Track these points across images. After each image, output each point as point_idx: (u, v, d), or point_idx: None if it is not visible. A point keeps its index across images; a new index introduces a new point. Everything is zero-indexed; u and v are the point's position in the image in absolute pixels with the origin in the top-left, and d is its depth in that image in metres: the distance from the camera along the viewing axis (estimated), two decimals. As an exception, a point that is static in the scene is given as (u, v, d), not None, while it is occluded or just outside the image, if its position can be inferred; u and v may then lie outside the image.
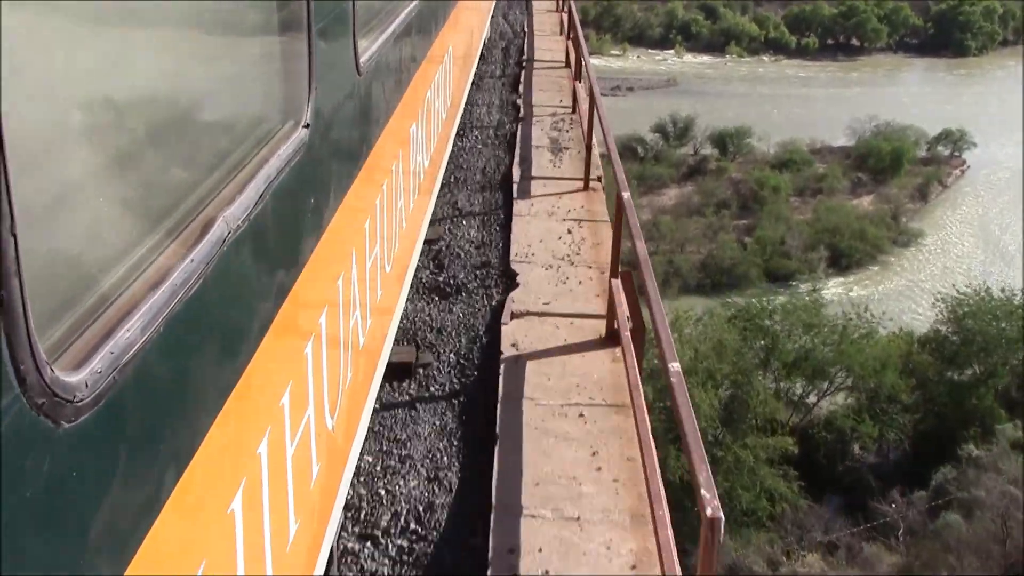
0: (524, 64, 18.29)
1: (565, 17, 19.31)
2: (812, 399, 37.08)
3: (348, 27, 4.15)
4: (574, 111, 14.76)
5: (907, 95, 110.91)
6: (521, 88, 16.54)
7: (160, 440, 2.11)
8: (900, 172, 76.99)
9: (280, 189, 2.95)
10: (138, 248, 2.17)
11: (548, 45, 19.72)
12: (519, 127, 14.26)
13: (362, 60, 4.42)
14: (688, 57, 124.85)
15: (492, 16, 18.28)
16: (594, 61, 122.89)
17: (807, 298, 58.08)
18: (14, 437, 1.51)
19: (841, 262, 64.27)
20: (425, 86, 7.25)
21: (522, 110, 15.17)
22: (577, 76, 15.17)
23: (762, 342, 36.21)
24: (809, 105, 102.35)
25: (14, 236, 1.46)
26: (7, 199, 1.43)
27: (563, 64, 17.85)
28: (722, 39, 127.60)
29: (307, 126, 3.32)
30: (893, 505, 30.39)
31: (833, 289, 62.14)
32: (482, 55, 16.72)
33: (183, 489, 2.19)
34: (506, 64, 18.59)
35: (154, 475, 2.08)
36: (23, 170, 1.56)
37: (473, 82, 14.50)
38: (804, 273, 61.67)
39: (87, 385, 1.71)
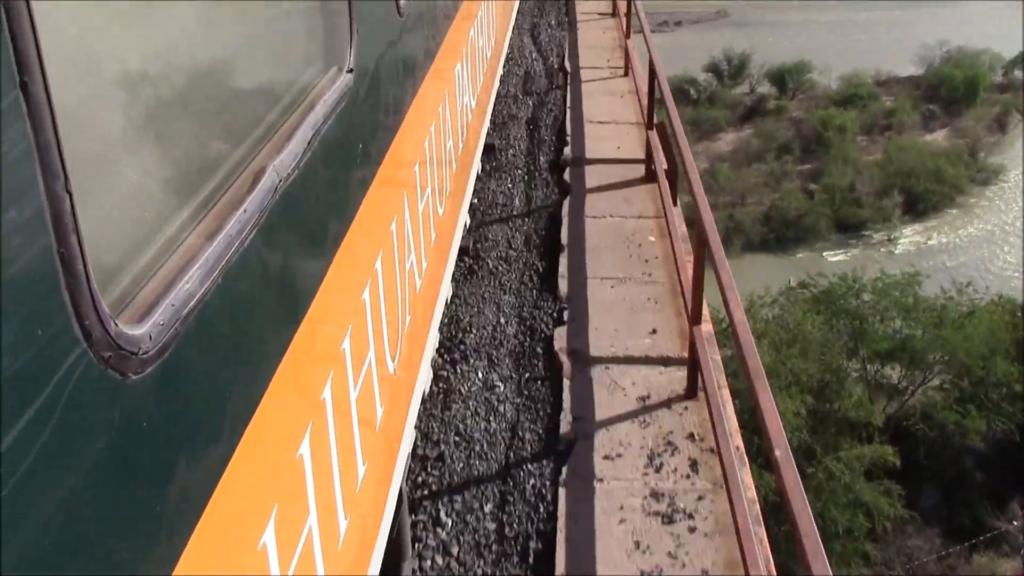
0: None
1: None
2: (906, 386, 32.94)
3: None
4: (626, 73, 13.44)
5: (978, 12, 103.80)
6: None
7: (226, 389, 2.17)
8: (975, 102, 71.11)
9: (328, 136, 2.95)
10: (192, 199, 2.18)
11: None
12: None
13: (402, 2, 4.38)
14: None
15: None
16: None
17: (887, 251, 53.87)
18: (84, 390, 1.54)
19: (917, 207, 59.21)
20: (468, 25, 7.26)
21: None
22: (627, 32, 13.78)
23: (849, 325, 31.99)
24: (872, 31, 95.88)
25: (69, 194, 1.46)
26: (60, 158, 1.44)
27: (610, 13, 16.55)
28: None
29: (351, 71, 3.31)
30: (1014, 523, 26.47)
31: (910, 237, 57.44)
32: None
33: (252, 436, 2.24)
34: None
35: (222, 423, 2.13)
36: (73, 128, 1.57)
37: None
38: (877, 222, 56.91)
39: (151, 337, 1.75)
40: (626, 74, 13.38)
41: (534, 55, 15.13)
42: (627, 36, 13.62)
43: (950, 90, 71.20)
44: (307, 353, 2.71)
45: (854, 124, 65.80)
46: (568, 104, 12.53)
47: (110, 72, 1.94)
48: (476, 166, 7.61)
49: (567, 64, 14.26)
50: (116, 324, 1.64)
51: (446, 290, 5.75)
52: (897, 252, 55.49)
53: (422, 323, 4.80)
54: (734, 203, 57.47)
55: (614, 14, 16.28)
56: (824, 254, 54.78)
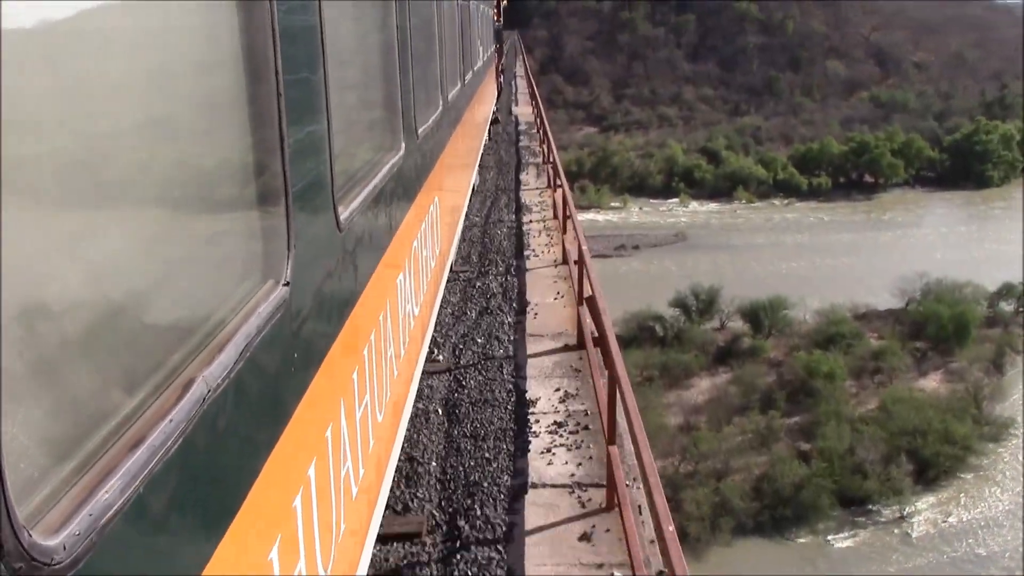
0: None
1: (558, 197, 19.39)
2: None
3: (327, 187, 4.12)
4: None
5: (936, 235, 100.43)
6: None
7: None
8: (967, 341, 64.92)
9: (261, 347, 2.95)
10: (118, 411, 2.20)
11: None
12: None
13: (342, 217, 4.41)
14: (694, 205, 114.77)
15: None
16: (592, 216, 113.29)
17: (902, 532, 45.49)
18: None
19: (927, 473, 51.13)
20: (411, 237, 7.36)
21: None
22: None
23: None
24: (836, 254, 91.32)
25: None
26: None
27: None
28: (728, 184, 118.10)
29: (287, 284, 3.32)
30: None
31: (925, 513, 48.94)
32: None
33: None
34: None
35: None
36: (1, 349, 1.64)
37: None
38: (886, 495, 48.47)
39: (65, 548, 1.75)
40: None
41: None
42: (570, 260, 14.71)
43: (938, 328, 65.09)
44: (232, 565, 2.65)
45: (842, 370, 58.72)
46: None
47: (39, 290, 1.96)
48: (418, 373, 7.69)
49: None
50: (30, 535, 1.64)
51: (382, 503, 5.63)
52: (914, 535, 46.84)
53: (359, 529, 4.76)
54: (718, 472, 48.99)
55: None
56: (829, 538, 45.97)
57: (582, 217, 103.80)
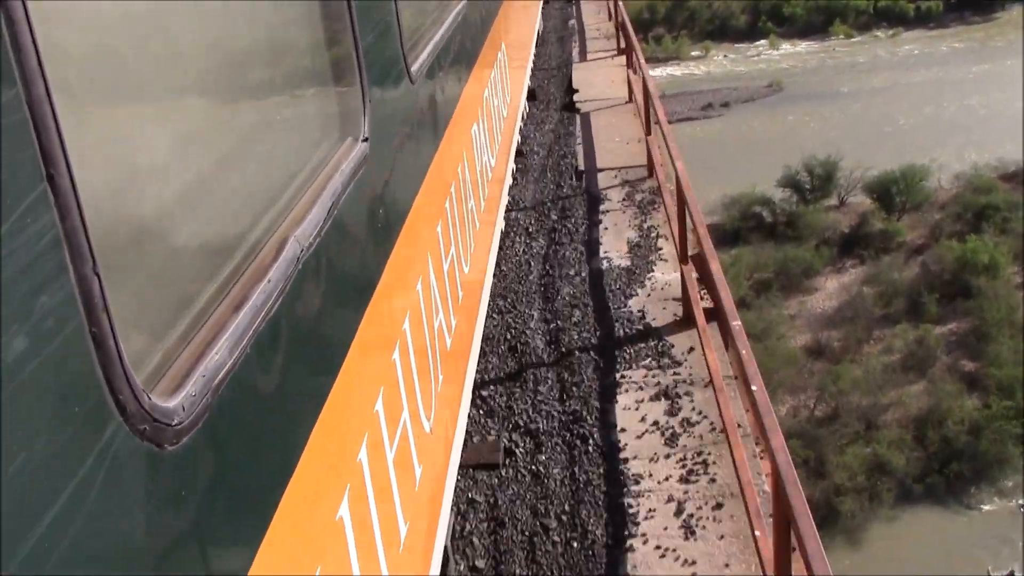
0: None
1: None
2: None
3: (395, 38, 4.14)
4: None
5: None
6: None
7: (261, 453, 2.24)
8: None
9: (346, 204, 3.02)
10: (218, 274, 2.28)
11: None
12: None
13: (413, 68, 4.41)
14: (785, 47, 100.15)
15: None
16: (671, 71, 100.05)
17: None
18: (123, 462, 1.61)
19: None
20: (481, 86, 7.25)
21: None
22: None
23: None
24: (965, 93, 77.41)
25: (97, 275, 1.55)
26: (87, 243, 1.53)
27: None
28: (822, 17, 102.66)
29: (366, 139, 3.38)
30: None
31: None
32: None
33: (290, 500, 2.30)
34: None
35: (260, 489, 2.20)
36: (102, 214, 1.70)
37: None
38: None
39: (184, 408, 1.82)
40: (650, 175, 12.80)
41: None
42: (647, 132, 12.90)
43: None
44: (341, 416, 2.76)
45: (1004, 258, 47.18)
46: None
47: (136, 158, 2.04)
48: (499, 220, 7.72)
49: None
50: (150, 397, 1.71)
51: (476, 347, 5.71)
52: None
53: (456, 380, 4.78)
54: (866, 414, 38.75)
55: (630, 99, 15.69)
56: None
57: (659, 72, 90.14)
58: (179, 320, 2.04)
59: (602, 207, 12.27)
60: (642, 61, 13.79)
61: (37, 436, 1.40)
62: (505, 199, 8.21)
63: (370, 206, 3.42)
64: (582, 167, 13.65)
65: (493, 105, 7.80)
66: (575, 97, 17.06)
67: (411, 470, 3.59)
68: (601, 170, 13.44)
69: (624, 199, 12.40)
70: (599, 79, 18.06)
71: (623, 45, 18.43)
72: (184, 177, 2.25)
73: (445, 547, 4.35)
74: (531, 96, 15.59)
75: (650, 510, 6.74)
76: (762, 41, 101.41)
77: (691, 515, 6.62)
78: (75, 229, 1.49)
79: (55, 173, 1.45)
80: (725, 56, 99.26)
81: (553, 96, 17.36)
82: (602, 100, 16.69)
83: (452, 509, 4.50)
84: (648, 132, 12.96)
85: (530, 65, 13.96)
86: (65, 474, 1.45)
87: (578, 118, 15.87)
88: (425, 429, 3.87)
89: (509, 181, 8.88)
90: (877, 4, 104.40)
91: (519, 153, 13.27)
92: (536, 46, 17.00)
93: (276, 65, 2.99)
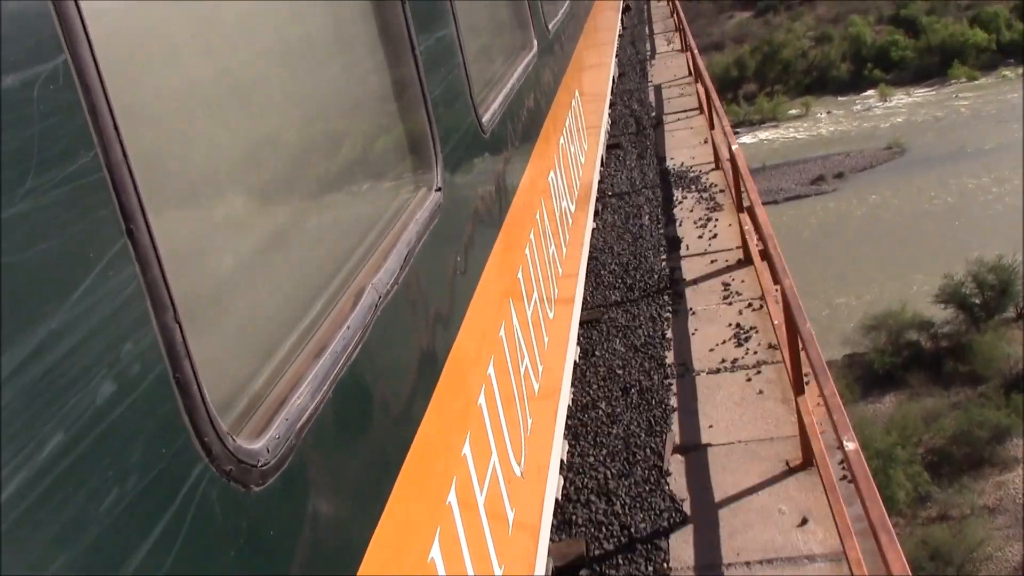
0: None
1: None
2: None
3: (465, 91, 4.28)
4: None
5: None
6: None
7: (347, 494, 2.28)
8: None
9: (421, 252, 3.09)
10: (300, 322, 2.36)
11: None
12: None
13: (484, 119, 4.55)
14: (899, 97, 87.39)
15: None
16: (767, 135, 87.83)
17: None
18: (210, 502, 1.66)
19: None
20: (557, 134, 7.36)
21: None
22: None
23: None
24: None
25: (179, 324, 1.62)
26: (168, 293, 1.60)
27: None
28: (936, 60, 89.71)
29: (439, 189, 3.46)
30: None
31: None
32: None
33: (379, 542, 2.33)
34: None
35: (347, 528, 2.25)
36: (183, 267, 1.78)
37: None
38: None
39: (268, 450, 1.86)
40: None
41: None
42: (741, 227, 11.19)
43: None
44: (428, 459, 2.83)
45: None
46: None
47: (216, 214, 2.15)
48: (583, 270, 7.85)
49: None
50: (234, 439, 1.76)
51: (567, 389, 5.73)
52: None
53: (546, 423, 4.83)
54: None
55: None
56: None
57: (748, 140, 77.75)
58: (263, 367, 2.12)
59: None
60: (729, 133, 11.80)
61: (126, 477, 1.46)
62: (587, 248, 8.20)
63: (446, 253, 3.50)
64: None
65: (570, 152, 7.91)
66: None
67: (503, 512, 3.66)
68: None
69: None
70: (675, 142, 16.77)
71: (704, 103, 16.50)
72: (263, 230, 2.36)
73: None
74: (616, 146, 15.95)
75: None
76: (870, 91, 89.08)
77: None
78: (155, 280, 1.57)
79: (134, 228, 1.53)
80: (829, 112, 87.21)
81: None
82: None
83: (548, 557, 4.51)
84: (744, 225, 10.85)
85: (606, 118, 14.11)
86: (154, 513, 1.51)
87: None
88: (516, 473, 3.92)
89: (592, 226, 9.06)
90: (999, 39, 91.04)
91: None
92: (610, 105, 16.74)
93: (350, 118, 3.16)
